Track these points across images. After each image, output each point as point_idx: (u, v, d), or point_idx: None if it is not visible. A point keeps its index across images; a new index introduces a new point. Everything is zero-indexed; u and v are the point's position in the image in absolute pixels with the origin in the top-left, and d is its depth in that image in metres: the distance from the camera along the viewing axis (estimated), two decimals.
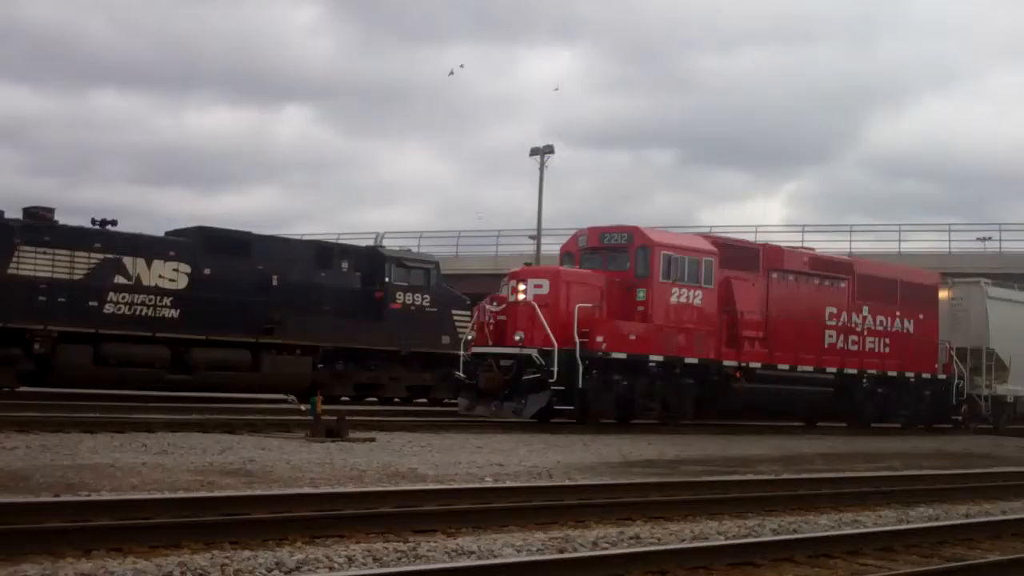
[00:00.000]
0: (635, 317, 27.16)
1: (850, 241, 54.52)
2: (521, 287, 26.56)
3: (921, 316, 34.74)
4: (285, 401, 28.80)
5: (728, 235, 30.37)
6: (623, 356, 26.50)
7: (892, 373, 33.21)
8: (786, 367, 30.25)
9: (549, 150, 52.61)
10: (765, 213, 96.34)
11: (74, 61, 72.48)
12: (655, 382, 27.37)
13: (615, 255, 27.86)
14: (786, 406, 30.46)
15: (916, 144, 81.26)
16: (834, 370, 31.59)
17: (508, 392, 25.81)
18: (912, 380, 33.85)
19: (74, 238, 27.59)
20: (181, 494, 11.34)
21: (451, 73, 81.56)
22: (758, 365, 29.53)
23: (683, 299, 27.73)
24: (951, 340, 35.65)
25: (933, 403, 34.73)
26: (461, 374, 26.64)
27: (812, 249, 33.21)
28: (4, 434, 17.07)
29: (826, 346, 31.95)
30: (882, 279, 33.92)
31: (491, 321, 26.71)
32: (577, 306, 25.76)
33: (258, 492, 11.92)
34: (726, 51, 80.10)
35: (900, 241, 54.84)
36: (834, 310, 32.31)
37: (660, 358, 27.25)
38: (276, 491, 12.12)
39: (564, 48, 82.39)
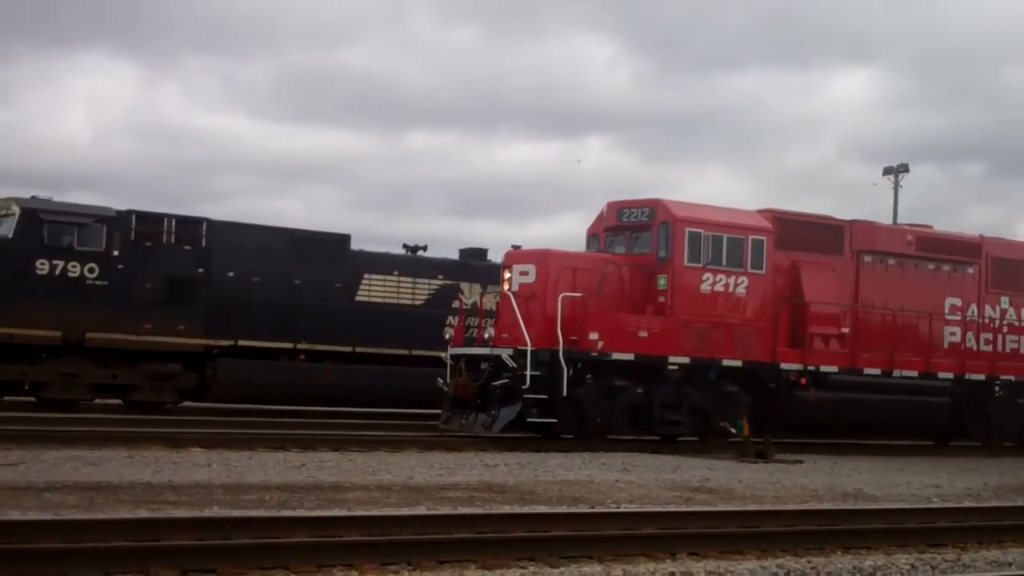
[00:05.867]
0: (654, 310, 22.03)
1: None
2: (507, 275, 21.97)
3: None
4: None
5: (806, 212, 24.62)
6: (628, 357, 21.44)
7: None
8: (876, 371, 24.26)
9: (904, 168, 49.76)
10: None
11: (390, 104, 76.29)
12: (683, 389, 22.13)
13: (639, 235, 22.79)
14: (876, 420, 24.38)
15: None
16: (950, 376, 25.28)
17: (481, 401, 21.27)
18: None
19: None
20: (674, 507, 12.96)
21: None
22: (834, 369, 23.73)
23: (720, 287, 22.37)
24: None
25: None
26: (443, 380, 22.24)
27: (929, 226, 26.89)
28: (490, 453, 18.84)
29: (946, 346, 25.70)
30: None
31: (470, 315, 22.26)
32: (561, 296, 20.90)
33: (753, 508, 13.10)
34: None
35: None
36: (957, 301, 26.03)
37: (685, 360, 22.00)
38: (768, 507, 13.34)
39: (861, 66, 79.36)
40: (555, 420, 20.91)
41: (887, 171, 50.00)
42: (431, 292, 28.45)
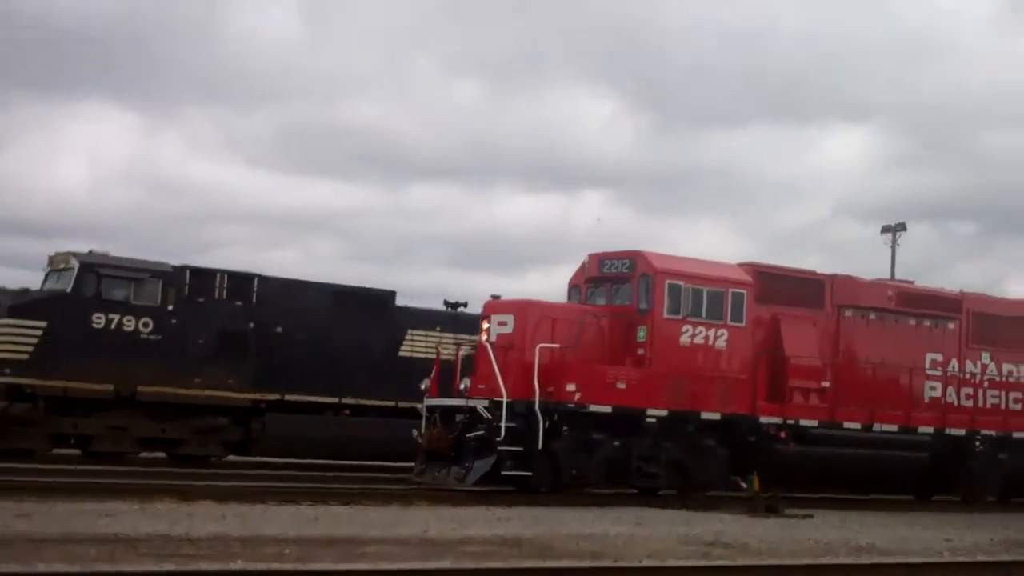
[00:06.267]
0: (633, 361, 21.93)
1: None
2: (485, 325, 21.88)
3: None
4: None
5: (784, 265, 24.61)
6: (606, 409, 21.32)
7: (1020, 435, 26.42)
8: (856, 426, 24.17)
9: (901, 227, 50.27)
10: None
11: (392, 157, 77.09)
12: (660, 442, 21.99)
13: (620, 287, 22.74)
14: (856, 474, 24.24)
15: None
16: (930, 430, 25.18)
17: (455, 454, 21.11)
18: None
19: None
20: (696, 562, 13.19)
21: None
22: (814, 423, 23.63)
23: (699, 339, 22.29)
24: None
25: None
26: (417, 432, 22.06)
27: (910, 282, 26.91)
28: (499, 507, 18.65)
29: (927, 400, 25.63)
30: (1009, 319, 27.21)
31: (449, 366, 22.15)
32: (539, 347, 20.81)
33: (774, 563, 13.35)
34: (1015, 126, 76.00)
35: None
36: (938, 357, 25.99)
37: (663, 412, 21.89)
38: (787, 561, 13.63)
39: (855, 126, 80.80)
40: (530, 473, 20.73)
41: (885, 229, 50.53)
42: (472, 348, 28.19)
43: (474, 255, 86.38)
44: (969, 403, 26.19)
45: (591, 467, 21.47)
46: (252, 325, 26.40)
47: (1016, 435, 26.34)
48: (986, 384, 26.52)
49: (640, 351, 22.03)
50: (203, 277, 26.21)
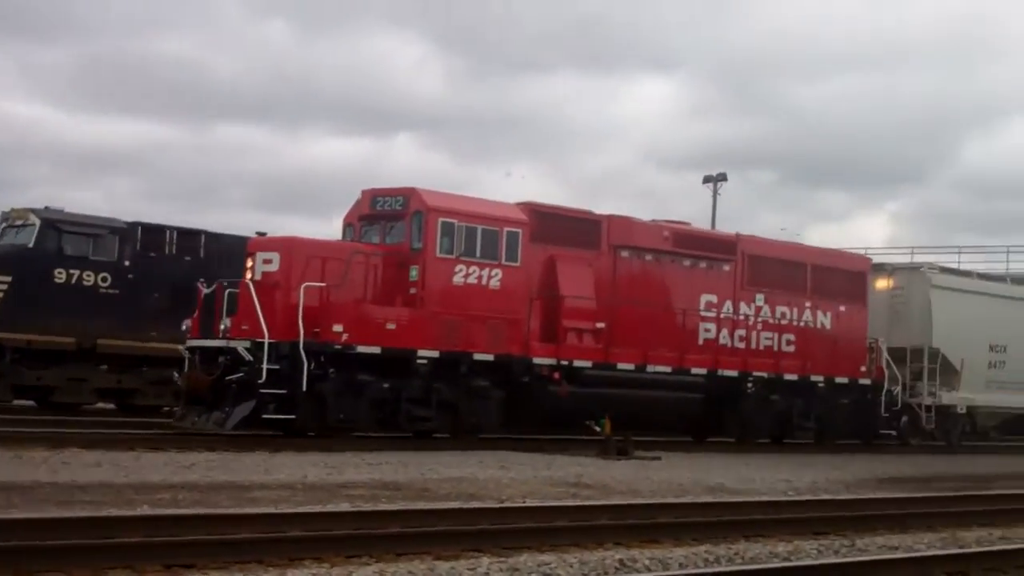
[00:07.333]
0: (404, 301, 21.34)
1: (959, 262, 45.74)
2: (249, 263, 20.98)
3: (843, 308, 28.47)
4: None
5: (567, 206, 24.34)
6: (375, 350, 20.71)
7: (791, 377, 26.90)
8: (630, 367, 24.15)
9: (722, 177, 51.44)
10: (869, 232, 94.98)
11: (198, 95, 74.19)
12: (432, 384, 21.50)
13: (394, 224, 22.10)
14: (630, 414, 24.16)
15: (1011, 164, 78.79)
16: (703, 371, 25.39)
17: (215, 397, 20.20)
18: (822, 385, 27.49)
19: None
20: (569, 502, 13.57)
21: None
22: (588, 364, 23.49)
23: (473, 279, 21.83)
24: (889, 338, 29.22)
25: (856, 414, 28.30)
26: (177, 374, 21.09)
27: (687, 223, 27.00)
28: (372, 453, 19.01)
29: (701, 342, 25.81)
30: (784, 262, 27.60)
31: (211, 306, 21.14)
32: (304, 286, 20.01)
33: (642, 502, 13.73)
34: (817, 77, 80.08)
35: (1008, 262, 46.45)
36: (713, 298, 26.15)
37: (434, 353, 21.37)
38: (653, 500, 14.11)
39: (660, 77, 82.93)
40: (294, 416, 19.98)
41: (707, 179, 51.48)
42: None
43: (283, 196, 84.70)
44: (742, 345, 26.47)
45: (359, 410, 20.85)
46: (202, 280, 25.89)
47: (787, 377, 26.78)
48: (759, 326, 26.86)
49: (412, 291, 21.46)
50: (154, 233, 26.78)
